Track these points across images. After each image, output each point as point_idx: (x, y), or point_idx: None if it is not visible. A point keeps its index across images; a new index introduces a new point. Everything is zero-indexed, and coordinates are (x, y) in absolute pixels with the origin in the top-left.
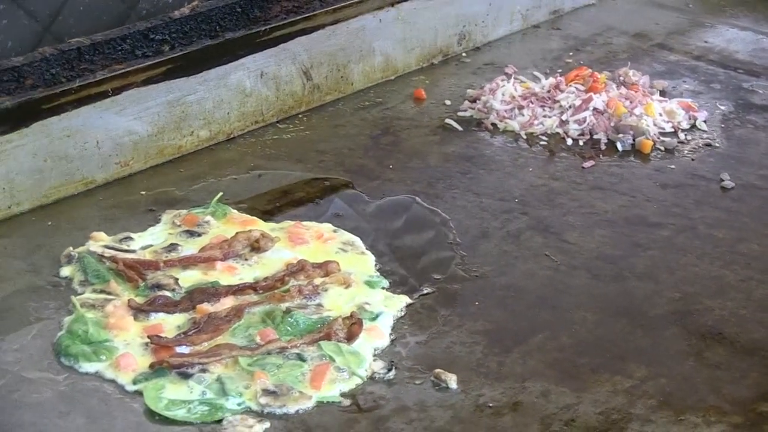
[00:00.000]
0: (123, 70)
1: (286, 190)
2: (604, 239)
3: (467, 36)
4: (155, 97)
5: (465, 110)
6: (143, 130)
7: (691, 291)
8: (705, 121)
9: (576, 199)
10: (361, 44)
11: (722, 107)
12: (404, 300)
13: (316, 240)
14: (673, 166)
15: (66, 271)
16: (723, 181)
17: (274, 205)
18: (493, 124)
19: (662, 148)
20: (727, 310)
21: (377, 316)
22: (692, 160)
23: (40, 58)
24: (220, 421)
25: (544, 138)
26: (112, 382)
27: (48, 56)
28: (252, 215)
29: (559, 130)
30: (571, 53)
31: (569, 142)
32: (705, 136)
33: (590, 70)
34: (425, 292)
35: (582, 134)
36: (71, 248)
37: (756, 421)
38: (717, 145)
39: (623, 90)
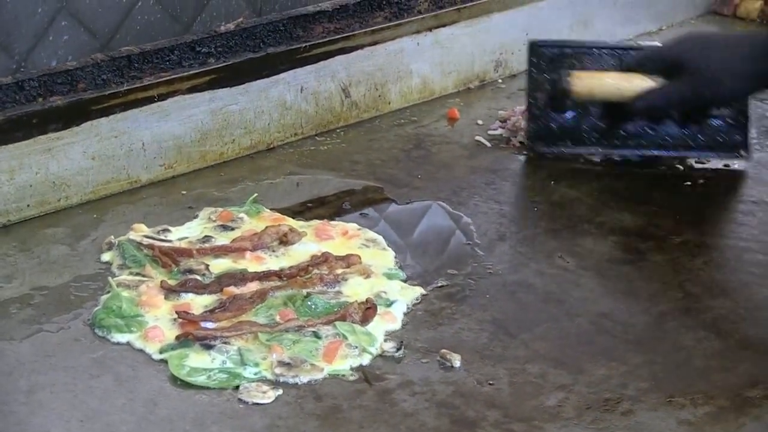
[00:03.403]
0: (169, 78)
1: (321, 195)
2: (616, 245)
3: (504, 63)
4: (199, 105)
5: (495, 129)
6: (187, 135)
7: (694, 291)
8: None
9: (594, 210)
10: (399, 66)
11: None
12: (419, 291)
13: (341, 236)
14: (688, 183)
15: (106, 256)
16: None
17: (306, 206)
18: (521, 142)
19: (681, 168)
20: (726, 310)
21: (392, 303)
22: (710, 178)
23: (92, 63)
24: (237, 388)
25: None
26: (141, 351)
27: (99, 62)
28: (284, 215)
29: None
30: None
31: (596, 159)
32: None
33: None
34: (440, 284)
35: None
36: (112, 236)
37: (741, 404)
38: (735, 165)
39: None
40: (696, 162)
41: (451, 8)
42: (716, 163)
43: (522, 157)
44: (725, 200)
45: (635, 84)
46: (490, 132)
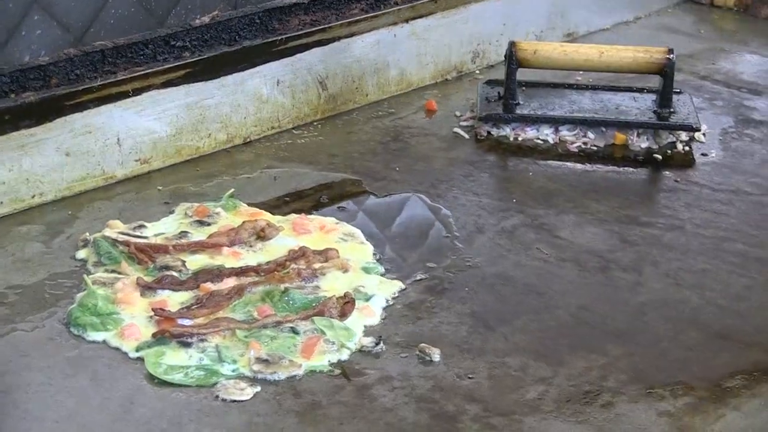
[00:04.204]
0: (143, 72)
1: (298, 189)
2: (594, 236)
3: (481, 54)
4: (174, 99)
5: (467, 120)
6: (162, 130)
7: (673, 282)
8: (704, 134)
9: (571, 200)
10: (376, 57)
11: (722, 122)
12: (398, 285)
13: (318, 230)
14: (667, 173)
15: (81, 253)
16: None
17: (284, 201)
18: (488, 131)
19: (659, 157)
20: (705, 300)
21: (371, 297)
22: (688, 168)
23: (65, 58)
24: (215, 385)
25: (544, 145)
26: (117, 349)
27: (72, 57)
28: (261, 210)
29: (549, 137)
30: (581, 72)
31: (573, 148)
32: (702, 147)
33: None
34: (419, 278)
35: (580, 142)
36: (87, 233)
37: (721, 395)
38: (713, 155)
39: None
40: (674, 151)
41: None
42: (695, 152)
43: (501, 148)
44: (704, 190)
45: (570, 52)
46: (462, 123)
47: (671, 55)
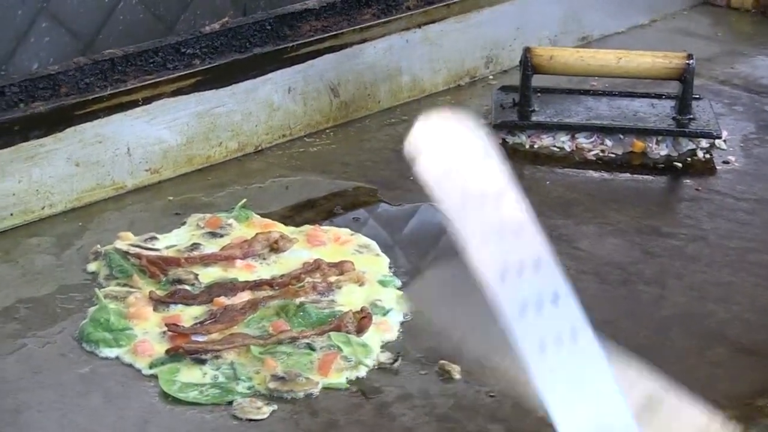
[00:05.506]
0: (153, 80)
1: (311, 198)
2: (615, 247)
3: (495, 59)
4: (185, 108)
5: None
6: (173, 139)
7: (698, 296)
8: (724, 141)
9: (590, 210)
10: (388, 64)
11: (743, 128)
12: None
13: (333, 242)
14: (688, 181)
15: (92, 266)
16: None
17: (297, 211)
18: (503, 139)
19: (680, 165)
20: (731, 314)
21: (388, 311)
22: (709, 176)
23: (74, 67)
24: (230, 403)
25: (560, 153)
26: (130, 366)
27: (82, 66)
28: (274, 220)
29: (566, 144)
30: (596, 77)
31: (590, 156)
32: (723, 154)
33: None
34: None
35: (598, 150)
36: (98, 246)
37: (750, 414)
38: (734, 162)
39: None
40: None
41: (441, 4)
42: (716, 160)
43: (516, 156)
44: (726, 199)
45: (587, 57)
46: None
47: (691, 61)
